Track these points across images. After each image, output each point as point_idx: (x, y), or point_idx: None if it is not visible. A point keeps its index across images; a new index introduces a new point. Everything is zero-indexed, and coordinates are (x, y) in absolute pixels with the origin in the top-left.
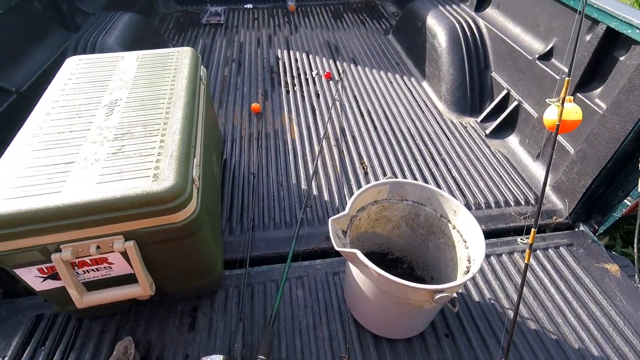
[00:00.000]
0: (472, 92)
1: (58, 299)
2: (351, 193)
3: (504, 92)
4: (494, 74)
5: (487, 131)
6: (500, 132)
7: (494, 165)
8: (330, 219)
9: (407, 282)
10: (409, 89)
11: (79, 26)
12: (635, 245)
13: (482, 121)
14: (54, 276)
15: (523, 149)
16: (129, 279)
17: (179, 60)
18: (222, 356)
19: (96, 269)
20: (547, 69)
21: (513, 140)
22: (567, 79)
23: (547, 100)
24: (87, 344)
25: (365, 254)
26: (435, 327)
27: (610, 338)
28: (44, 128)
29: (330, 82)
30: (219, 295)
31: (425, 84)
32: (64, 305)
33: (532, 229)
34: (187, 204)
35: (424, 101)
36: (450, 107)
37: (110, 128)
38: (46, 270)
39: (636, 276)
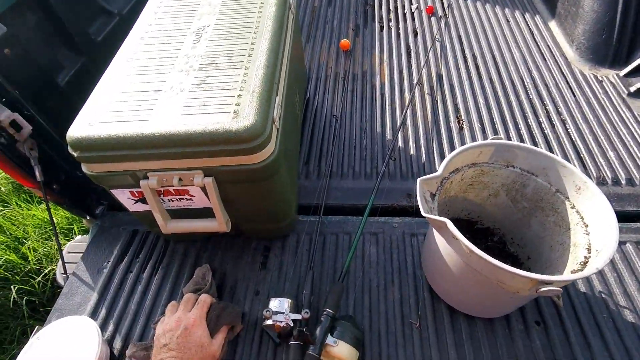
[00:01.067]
0: (621, 36)
1: (147, 221)
2: (441, 149)
3: None
4: None
5: (632, 88)
6: None
7: (634, 132)
8: (419, 180)
9: (507, 267)
10: (530, 29)
11: None
12: None
13: (626, 75)
14: (144, 200)
15: None
16: (209, 213)
17: None
18: (290, 300)
19: (179, 199)
20: None
21: None
22: None
23: None
24: (172, 263)
25: (451, 220)
26: (524, 312)
27: None
28: (137, 52)
29: (432, 18)
30: (291, 238)
31: (553, 23)
32: (153, 226)
33: None
34: (265, 146)
35: (548, 46)
36: (584, 55)
37: (197, 57)
38: (137, 194)
39: None
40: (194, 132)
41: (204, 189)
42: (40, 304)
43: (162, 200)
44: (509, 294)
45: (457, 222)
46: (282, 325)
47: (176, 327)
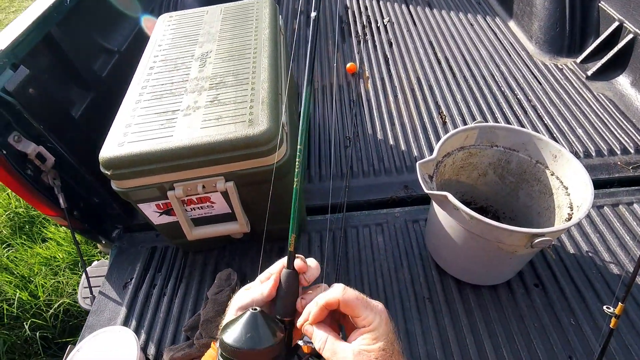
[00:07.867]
0: (572, 28)
1: (169, 233)
2: (429, 143)
3: (615, 24)
4: (602, 4)
5: (589, 72)
6: (606, 72)
7: (597, 110)
8: (418, 163)
9: (504, 225)
10: (492, 30)
11: None
12: None
13: (582, 62)
14: (168, 212)
15: (636, 90)
16: (227, 218)
17: (259, 10)
18: None
19: (200, 207)
20: None
21: (623, 81)
22: None
23: None
24: (194, 273)
25: None
26: (523, 277)
27: None
28: (150, 81)
29: (404, 29)
30: (302, 238)
31: (512, 23)
32: (173, 238)
33: None
34: (279, 147)
35: (510, 43)
36: (543, 48)
37: (205, 79)
38: (162, 206)
39: None
40: (217, 141)
41: (225, 193)
42: (52, 338)
43: (186, 209)
44: (508, 254)
45: None
46: None
47: None
